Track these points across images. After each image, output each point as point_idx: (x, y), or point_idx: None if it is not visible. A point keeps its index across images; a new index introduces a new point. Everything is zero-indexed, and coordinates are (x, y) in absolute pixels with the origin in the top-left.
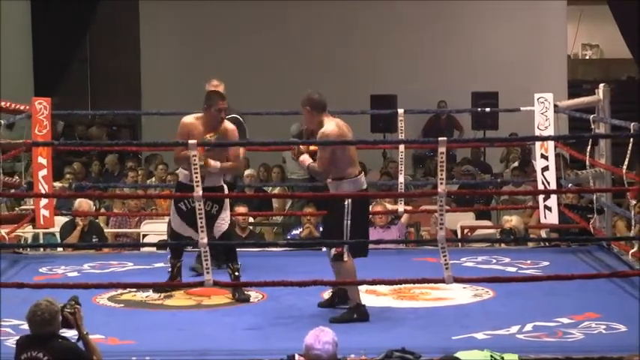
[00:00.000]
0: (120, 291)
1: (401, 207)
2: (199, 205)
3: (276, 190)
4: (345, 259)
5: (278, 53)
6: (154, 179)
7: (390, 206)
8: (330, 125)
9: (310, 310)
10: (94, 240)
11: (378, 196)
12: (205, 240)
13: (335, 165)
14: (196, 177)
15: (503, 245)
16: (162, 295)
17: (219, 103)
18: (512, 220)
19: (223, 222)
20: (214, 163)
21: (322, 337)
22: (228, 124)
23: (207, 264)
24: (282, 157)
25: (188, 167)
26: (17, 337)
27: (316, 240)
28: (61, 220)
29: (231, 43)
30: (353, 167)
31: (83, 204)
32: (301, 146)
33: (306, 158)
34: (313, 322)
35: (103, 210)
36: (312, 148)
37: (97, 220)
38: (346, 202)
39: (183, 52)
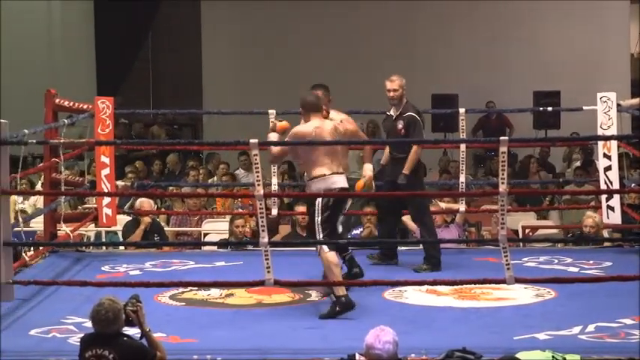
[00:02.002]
0: (181, 289)
1: (462, 206)
2: (260, 204)
3: None
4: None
5: (338, 53)
6: (215, 178)
7: (443, 205)
8: (306, 125)
9: (371, 309)
10: (155, 239)
11: (439, 196)
12: (266, 239)
13: (304, 164)
14: (257, 176)
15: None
16: (224, 293)
17: None
18: (595, 217)
19: None
20: None
21: (383, 336)
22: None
23: (267, 262)
24: None
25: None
26: (81, 335)
27: (375, 240)
28: (123, 219)
29: (290, 43)
30: (322, 167)
31: (144, 203)
32: (278, 124)
33: (272, 137)
34: (374, 322)
35: (164, 209)
36: (281, 125)
37: (157, 219)
38: (317, 201)
39: (244, 51)
